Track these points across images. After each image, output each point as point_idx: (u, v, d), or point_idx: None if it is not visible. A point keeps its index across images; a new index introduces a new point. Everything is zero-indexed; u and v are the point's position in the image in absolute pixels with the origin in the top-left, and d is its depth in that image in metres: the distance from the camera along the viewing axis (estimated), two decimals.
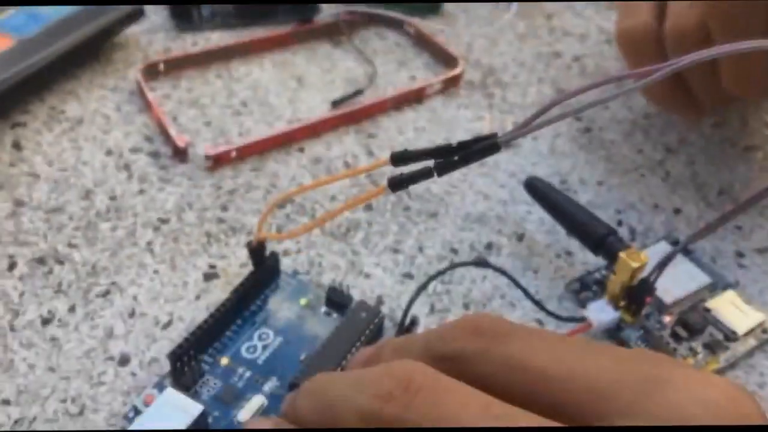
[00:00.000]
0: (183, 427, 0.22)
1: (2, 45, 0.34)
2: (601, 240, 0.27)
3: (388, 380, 0.17)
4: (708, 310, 0.28)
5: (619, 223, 0.32)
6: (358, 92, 0.38)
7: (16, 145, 0.33)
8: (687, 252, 0.30)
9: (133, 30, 0.39)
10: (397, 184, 0.20)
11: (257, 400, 0.24)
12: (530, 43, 0.43)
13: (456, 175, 0.34)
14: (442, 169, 0.19)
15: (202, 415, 0.22)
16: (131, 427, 0.22)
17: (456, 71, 0.39)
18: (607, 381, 0.16)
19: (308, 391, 0.20)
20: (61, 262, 0.28)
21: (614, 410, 0.16)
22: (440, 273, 0.28)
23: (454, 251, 0.30)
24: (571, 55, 0.42)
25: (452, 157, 0.19)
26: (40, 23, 0.36)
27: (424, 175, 0.19)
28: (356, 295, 0.28)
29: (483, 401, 0.16)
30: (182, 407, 0.22)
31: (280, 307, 0.27)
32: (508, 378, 0.17)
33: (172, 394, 0.23)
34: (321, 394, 0.20)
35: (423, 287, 0.27)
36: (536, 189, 0.30)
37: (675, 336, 0.27)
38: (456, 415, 0.16)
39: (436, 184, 0.33)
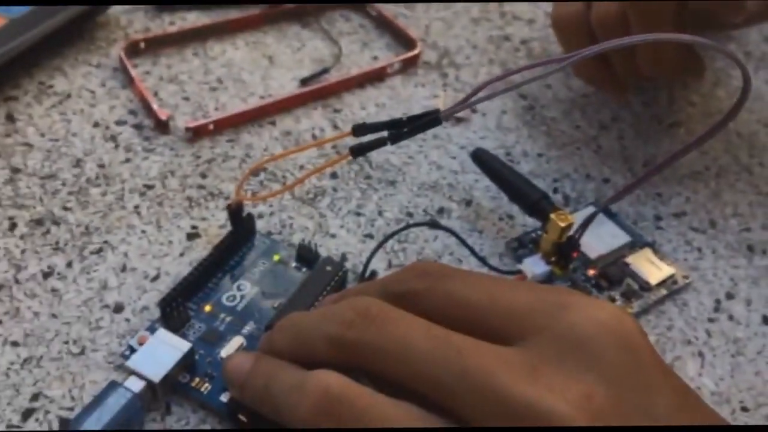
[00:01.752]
0: (174, 361, 0.25)
1: None
2: (535, 203, 0.31)
3: (350, 311, 0.21)
4: (627, 264, 0.33)
5: (555, 190, 0.36)
6: (324, 71, 0.41)
7: (10, 117, 0.36)
8: (612, 215, 0.35)
9: (114, 10, 0.42)
10: (358, 150, 0.24)
11: (237, 340, 0.28)
12: (483, 26, 0.46)
13: (413, 147, 0.38)
14: (395, 138, 0.23)
15: (190, 352, 0.26)
16: (127, 363, 0.25)
17: (414, 52, 0.42)
18: (523, 307, 0.20)
19: (283, 327, 0.24)
20: (57, 223, 0.31)
21: (528, 330, 0.20)
22: (396, 232, 0.32)
23: (410, 215, 0.34)
24: (519, 38, 0.46)
25: (403, 128, 0.22)
26: (28, 4, 0.39)
27: (380, 143, 0.23)
28: (323, 252, 0.32)
29: (425, 326, 0.20)
30: (173, 345, 0.26)
31: (256, 262, 0.31)
32: (448, 310, 0.21)
33: (163, 333, 0.26)
34: (294, 327, 0.24)
35: (381, 245, 0.31)
36: (481, 159, 0.34)
37: (597, 286, 0.32)
38: (404, 337, 0.20)
39: (395, 155, 0.37)
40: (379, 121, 0.24)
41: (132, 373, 0.25)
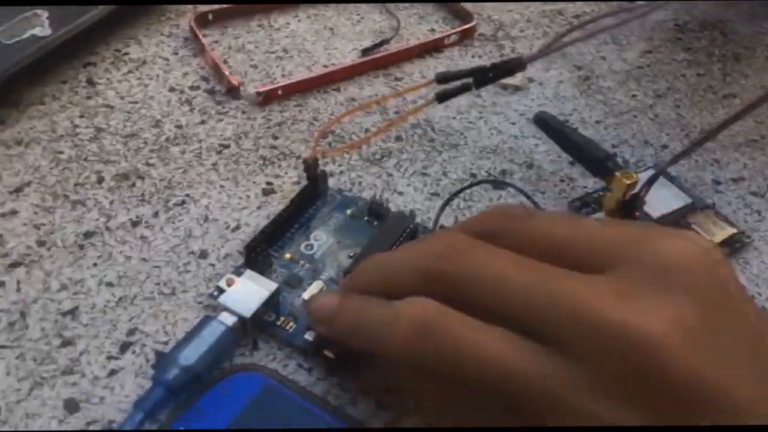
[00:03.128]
0: (263, 298, 0.27)
1: None
2: (600, 162, 0.32)
3: (439, 245, 0.22)
4: (689, 224, 0.33)
5: (614, 155, 0.37)
6: (384, 42, 0.43)
7: (90, 82, 0.37)
8: (672, 178, 0.36)
9: None
10: (443, 96, 0.25)
11: (317, 284, 0.29)
12: (536, 3, 0.47)
13: (473, 113, 0.39)
14: (480, 83, 0.24)
15: (276, 292, 0.27)
16: (220, 299, 0.27)
17: (471, 24, 0.44)
18: (610, 239, 0.21)
19: (367, 266, 0.25)
20: (141, 178, 0.33)
21: (616, 260, 0.21)
22: (464, 189, 0.33)
23: (473, 175, 0.35)
24: (572, 12, 0.47)
25: (488, 74, 0.23)
26: None
27: (465, 88, 0.24)
28: (392, 208, 0.33)
29: (514, 256, 0.21)
30: (261, 284, 0.27)
31: (330, 215, 0.32)
32: (534, 245, 0.22)
33: (251, 274, 0.28)
34: (379, 264, 0.25)
35: (450, 200, 0.33)
36: (545, 122, 0.35)
37: None
38: (494, 266, 0.21)
39: (456, 120, 0.38)
40: (462, 69, 0.25)
41: (224, 309, 0.26)
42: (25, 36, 0.35)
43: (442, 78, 0.24)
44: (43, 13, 0.37)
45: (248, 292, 0.27)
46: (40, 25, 0.36)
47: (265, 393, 0.25)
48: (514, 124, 0.38)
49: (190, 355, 0.25)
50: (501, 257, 0.22)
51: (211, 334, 0.26)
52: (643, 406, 0.19)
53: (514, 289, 0.21)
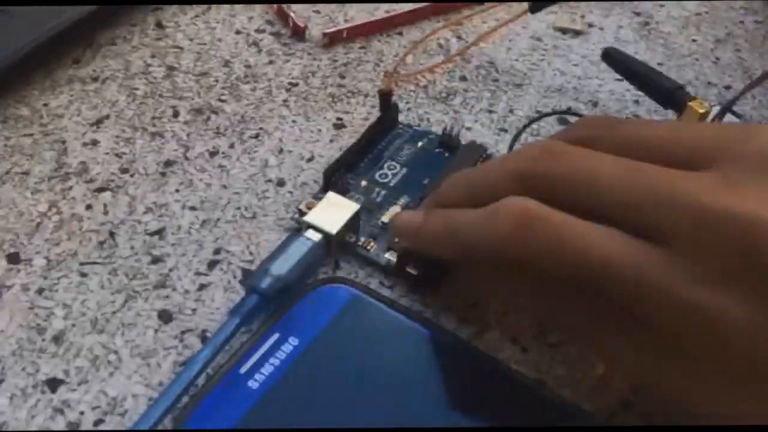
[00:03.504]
0: (346, 217, 0.27)
1: None
2: (672, 92, 0.32)
3: (532, 150, 0.23)
4: None
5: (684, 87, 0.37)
6: None
7: (159, 25, 0.38)
8: (739, 116, 0.35)
9: None
10: (534, 6, 0.25)
11: (395, 209, 0.29)
12: None
13: (535, 55, 0.39)
14: None
15: (358, 213, 0.28)
16: (305, 218, 0.27)
17: None
18: (709, 137, 0.21)
19: (453, 180, 0.26)
20: (215, 112, 0.34)
21: (716, 156, 0.20)
22: (534, 120, 0.33)
23: (540, 113, 0.36)
24: None
25: None
26: None
27: None
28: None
29: (611, 157, 0.22)
30: (343, 204, 0.28)
31: (402, 147, 0.32)
32: (630, 148, 0.22)
33: (334, 195, 0.28)
34: (468, 176, 0.25)
35: (519, 133, 0.33)
36: (613, 56, 0.35)
37: None
38: (591, 166, 0.21)
39: (519, 62, 0.38)
40: None
41: (309, 227, 0.27)
42: None
43: None
44: None
45: (331, 212, 0.27)
46: None
47: (354, 303, 0.25)
48: (576, 65, 0.39)
49: (282, 266, 0.25)
50: (598, 157, 0.22)
51: (299, 248, 0.26)
52: (750, 292, 0.19)
53: (612, 185, 0.21)
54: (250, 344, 0.24)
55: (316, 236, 0.27)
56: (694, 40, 0.41)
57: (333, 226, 0.27)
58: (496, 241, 0.21)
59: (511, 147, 0.32)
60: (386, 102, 0.32)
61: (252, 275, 0.25)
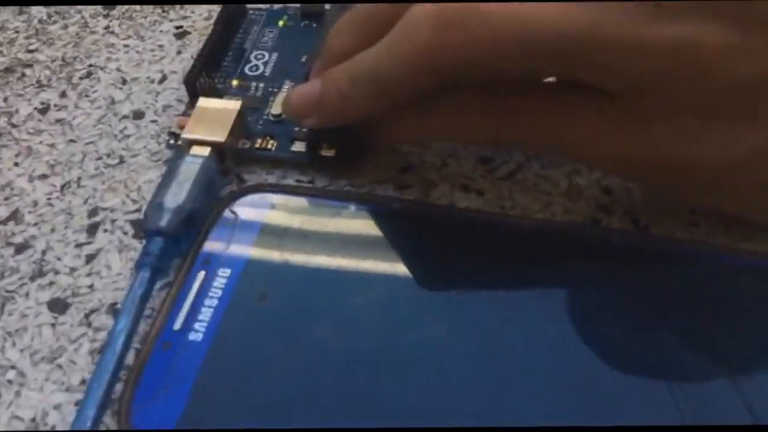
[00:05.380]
0: (231, 119, 0.22)
1: None
2: None
3: None
4: None
5: None
6: None
7: None
8: None
9: None
10: None
11: (282, 96, 0.25)
12: None
13: None
14: None
15: (241, 113, 0.23)
16: (183, 135, 0.22)
17: None
18: None
19: (339, 28, 0.21)
20: (28, 65, 0.27)
21: None
22: None
23: None
24: None
25: None
26: None
27: None
28: None
29: None
30: (221, 109, 0.23)
31: (262, 32, 0.27)
32: None
33: (206, 100, 0.23)
34: (356, 14, 0.21)
35: None
36: None
37: None
38: None
39: None
40: None
41: (191, 143, 0.22)
42: None
43: None
44: None
45: (210, 120, 0.23)
46: None
47: (277, 209, 0.21)
48: None
49: (176, 196, 0.20)
50: None
51: (189, 171, 0.21)
52: (724, 19, 0.16)
53: None
54: (175, 294, 0.19)
55: (203, 151, 0.22)
56: None
57: (219, 133, 0.22)
58: (417, 58, 0.18)
59: None
60: None
61: (146, 217, 0.20)
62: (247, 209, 0.21)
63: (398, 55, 0.18)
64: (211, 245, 0.20)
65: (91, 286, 0.21)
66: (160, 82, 0.27)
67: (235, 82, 0.26)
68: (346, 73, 0.20)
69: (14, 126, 0.25)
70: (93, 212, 0.22)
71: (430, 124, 0.20)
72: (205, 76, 0.25)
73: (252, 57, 0.27)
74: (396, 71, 0.18)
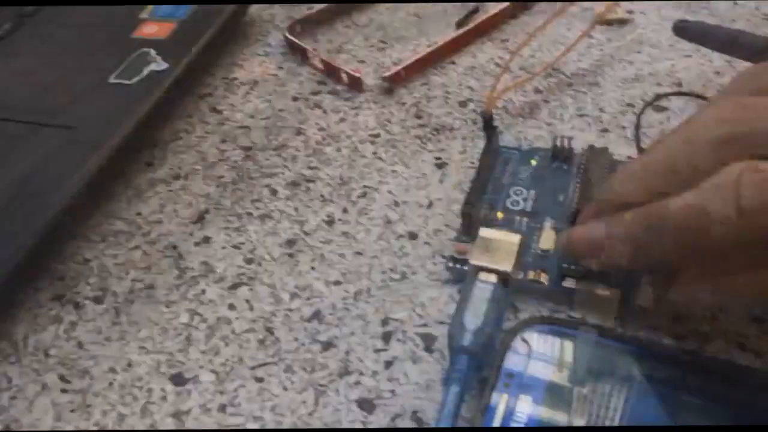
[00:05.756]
0: (514, 251, 0.25)
1: (169, 29, 0.38)
2: (765, 49, 0.32)
3: (717, 112, 0.21)
4: None
5: None
6: (475, 11, 0.42)
7: (215, 110, 0.36)
8: None
9: (253, 9, 0.43)
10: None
11: (548, 231, 0.27)
12: None
13: (594, 52, 0.38)
14: None
15: (522, 242, 0.26)
16: (472, 261, 0.25)
17: None
18: None
19: (624, 175, 0.23)
20: (311, 181, 0.31)
21: None
22: (649, 104, 0.32)
23: (631, 105, 0.34)
24: None
25: None
26: (185, 8, 0.39)
27: None
28: None
29: None
30: (503, 239, 0.26)
31: (517, 170, 0.31)
32: None
33: (488, 231, 0.26)
34: (646, 165, 0.22)
35: (638, 125, 0.32)
36: (686, 28, 0.34)
37: None
38: None
39: (581, 62, 0.37)
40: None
41: (479, 270, 0.25)
42: (146, 73, 0.34)
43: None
44: (149, 50, 0.35)
45: (493, 249, 0.25)
46: (154, 61, 0.34)
47: (570, 341, 0.23)
48: (639, 53, 0.38)
49: (475, 317, 0.23)
50: None
51: (482, 295, 0.24)
52: None
53: None
54: (480, 412, 0.21)
55: (491, 278, 0.25)
56: (735, 3, 0.41)
57: (505, 263, 0.25)
58: (736, 219, 0.19)
59: (637, 139, 0.31)
60: (489, 125, 0.30)
61: (451, 336, 0.23)
62: (536, 338, 0.23)
63: (716, 215, 0.19)
64: (509, 369, 0.22)
65: (392, 391, 0.23)
66: (428, 207, 0.30)
67: (500, 215, 0.29)
68: (643, 221, 0.22)
69: (306, 234, 0.29)
70: (385, 321, 0.25)
71: (733, 283, 0.21)
72: (477, 209, 0.28)
73: (511, 192, 0.30)
74: (707, 229, 0.20)
